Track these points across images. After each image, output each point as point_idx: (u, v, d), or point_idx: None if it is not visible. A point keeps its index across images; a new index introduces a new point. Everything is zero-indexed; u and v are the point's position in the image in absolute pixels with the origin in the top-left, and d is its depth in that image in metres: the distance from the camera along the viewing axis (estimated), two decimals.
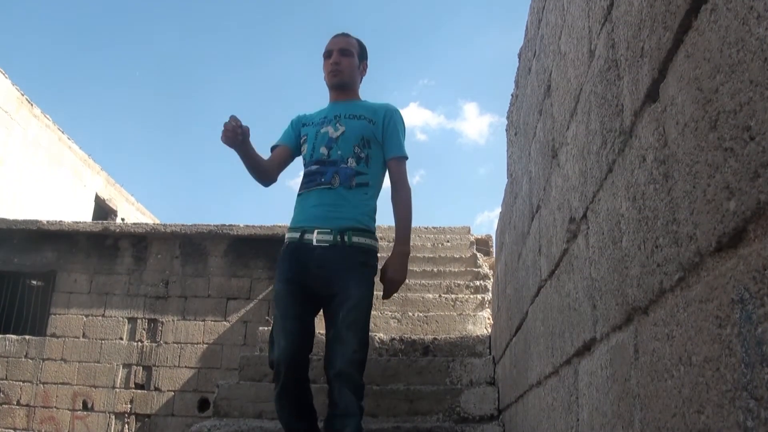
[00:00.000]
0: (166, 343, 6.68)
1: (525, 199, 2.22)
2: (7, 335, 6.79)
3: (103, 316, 6.81)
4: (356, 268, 2.25)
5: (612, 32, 1.07)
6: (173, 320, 6.76)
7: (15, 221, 7.25)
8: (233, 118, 2.21)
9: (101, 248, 7.07)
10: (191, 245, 7.03)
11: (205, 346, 6.64)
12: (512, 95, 2.80)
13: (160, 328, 6.74)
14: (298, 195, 2.43)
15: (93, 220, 10.64)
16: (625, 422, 0.97)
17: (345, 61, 2.53)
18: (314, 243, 2.27)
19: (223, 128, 2.21)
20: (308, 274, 2.26)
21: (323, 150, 2.40)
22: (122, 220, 12.31)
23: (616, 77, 1.04)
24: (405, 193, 2.44)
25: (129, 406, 6.49)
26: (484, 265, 5.61)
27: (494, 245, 5.21)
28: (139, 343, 6.70)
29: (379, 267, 2.39)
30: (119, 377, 6.59)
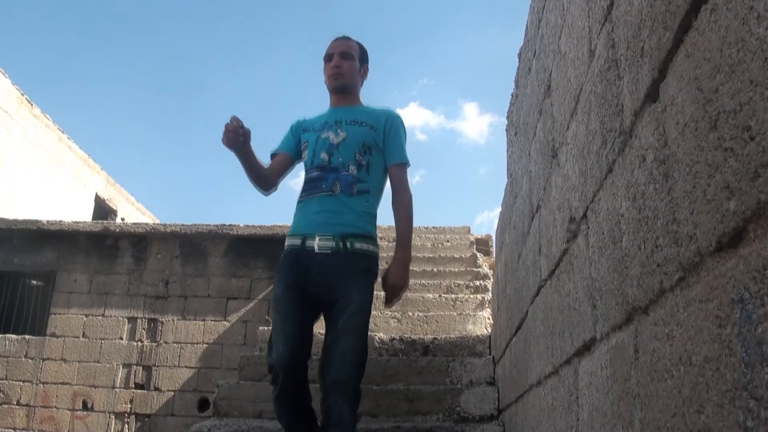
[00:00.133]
0: (166, 342, 6.68)
1: (525, 198, 2.22)
2: (7, 335, 6.79)
3: (103, 315, 6.81)
4: (358, 274, 2.23)
5: (612, 32, 1.07)
6: (173, 320, 6.76)
7: (15, 221, 7.25)
8: (235, 118, 2.19)
9: (101, 248, 7.07)
10: (191, 245, 7.03)
11: (205, 345, 6.64)
12: (512, 95, 2.80)
13: (160, 327, 6.74)
14: (299, 202, 2.41)
15: (93, 219, 10.63)
16: (625, 422, 0.97)
17: (346, 65, 2.50)
18: (316, 250, 2.25)
19: (224, 129, 2.19)
20: (309, 280, 2.24)
21: (324, 156, 2.37)
22: (122, 219, 12.31)
23: (616, 77, 1.04)
24: (406, 199, 2.41)
25: (129, 405, 6.50)
26: (484, 265, 5.61)
27: (494, 245, 5.21)
28: (139, 342, 6.70)
29: (380, 272, 2.38)
30: (119, 377, 6.59)
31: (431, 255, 5.84)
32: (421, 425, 3.03)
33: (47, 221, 7.17)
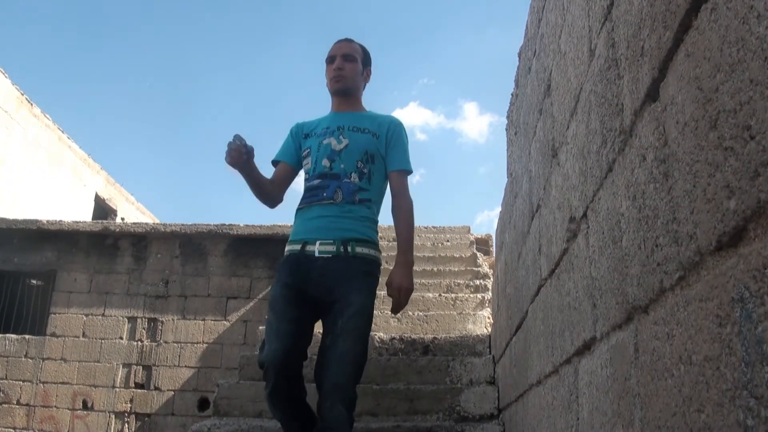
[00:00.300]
0: (166, 342, 6.69)
1: (525, 198, 2.22)
2: (7, 335, 6.79)
3: (103, 315, 6.81)
4: (359, 276, 2.19)
5: (612, 31, 1.07)
6: (173, 320, 6.76)
7: (15, 221, 7.25)
8: (237, 137, 2.15)
9: (101, 248, 7.07)
10: (191, 245, 7.03)
11: (205, 345, 6.64)
12: (512, 94, 2.79)
13: (160, 327, 6.74)
14: (298, 209, 2.37)
15: (93, 219, 10.63)
16: (625, 421, 0.97)
17: (348, 67, 2.46)
18: (316, 254, 2.22)
19: (227, 148, 2.16)
20: (309, 282, 2.20)
21: (325, 162, 2.33)
22: (122, 219, 12.31)
23: (617, 76, 1.04)
24: (407, 204, 2.37)
25: (129, 405, 6.50)
26: (484, 265, 5.61)
27: (494, 244, 5.21)
28: (139, 342, 6.70)
29: (382, 279, 2.35)
30: (119, 377, 6.59)
31: (431, 254, 5.85)
32: (421, 424, 3.03)
33: (47, 221, 7.17)
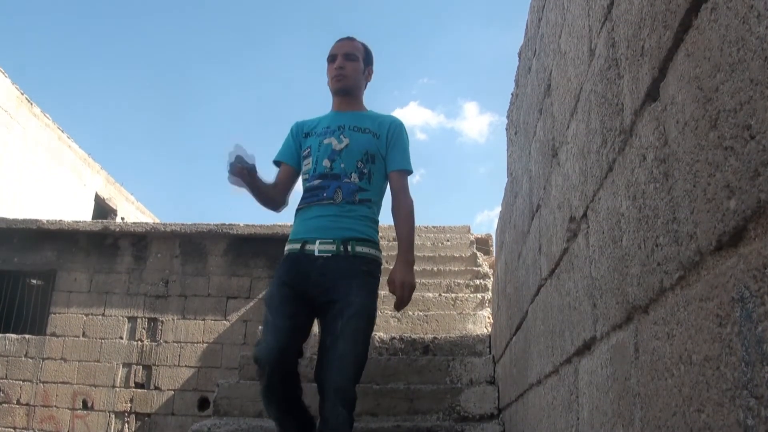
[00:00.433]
0: (166, 342, 6.68)
1: (525, 198, 2.22)
2: (7, 334, 6.79)
3: (103, 315, 6.82)
4: (359, 276, 2.17)
5: (612, 31, 1.07)
6: (173, 319, 6.76)
7: (15, 220, 7.25)
8: (238, 150, 2.14)
9: (101, 247, 7.07)
10: (191, 244, 7.03)
11: (205, 345, 6.64)
12: (512, 94, 2.79)
13: (160, 327, 6.74)
14: (298, 210, 2.36)
15: (93, 219, 10.63)
16: (625, 421, 0.97)
17: (350, 66, 2.45)
18: (316, 253, 2.20)
19: (228, 168, 2.15)
20: (308, 281, 2.18)
21: (326, 163, 2.32)
22: (122, 219, 12.32)
23: (617, 76, 1.04)
24: (407, 204, 2.35)
25: (129, 405, 6.50)
26: (484, 264, 5.62)
27: (494, 244, 5.21)
28: (139, 342, 6.70)
29: (383, 278, 2.33)
30: (119, 376, 6.59)
31: (431, 254, 5.85)
32: (421, 424, 3.03)
33: (47, 220, 7.17)
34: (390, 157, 2.39)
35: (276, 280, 2.26)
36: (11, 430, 6.42)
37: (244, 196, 2.27)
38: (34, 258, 7.07)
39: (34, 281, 7.19)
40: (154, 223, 8.72)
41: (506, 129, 3.04)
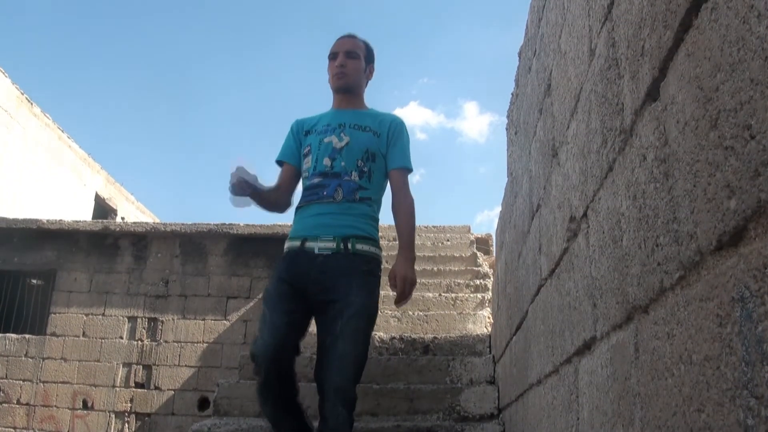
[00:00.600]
0: (166, 342, 6.68)
1: (525, 197, 2.22)
2: (7, 334, 6.79)
3: (103, 315, 6.81)
4: (359, 275, 2.16)
5: (612, 31, 1.07)
6: (173, 319, 6.76)
7: (15, 220, 7.25)
8: (240, 172, 2.15)
9: (101, 247, 7.07)
10: (191, 244, 7.03)
11: (205, 345, 6.64)
12: (512, 94, 2.79)
13: (160, 327, 6.74)
14: (298, 208, 2.36)
15: (93, 219, 10.64)
16: (625, 421, 0.97)
17: (351, 64, 2.44)
18: (316, 251, 2.19)
19: (230, 189, 2.17)
20: (308, 279, 2.17)
21: (326, 161, 2.31)
22: (122, 219, 12.32)
23: (617, 76, 1.04)
24: (408, 202, 2.35)
25: (129, 405, 6.50)
26: (484, 264, 5.62)
27: (494, 244, 5.21)
28: (139, 342, 6.70)
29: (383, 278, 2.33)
30: (119, 376, 6.59)
31: (431, 254, 5.85)
32: (421, 424, 3.03)
33: (47, 220, 7.17)
34: (390, 155, 2.38)
35: (275, 277, 2.25)
36: (11, 429, 6.42)
37: (247, 209, 2.29)
38: (34, 258, 7.07)
39: (34, 281, 7.19)
40: (154, 222, 8.71)
41: (506, 129, 3.04)
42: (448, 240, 6.31)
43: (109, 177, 12.81)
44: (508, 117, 2.98)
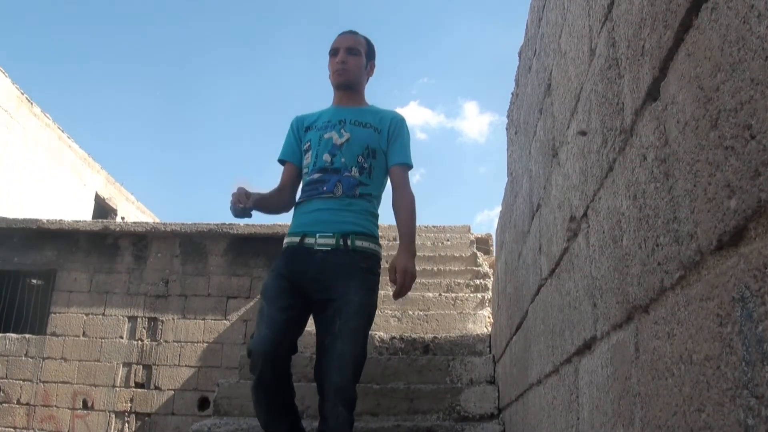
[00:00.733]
0: (166, 341, 6.69)
1: (525, 197, 2.22)
2: (8, 334, 6.79)
3: (103, 314, 6.82)
4: (358, 273, 2.15)
5: (613, 31, 1.07)
6: (173, 319, 6.76)
7: (15, 220, 7.25)
8: (240, 194, 2.17)
9: (101, 247, 7.08)
10: (191, 244, 7.03)
11: (205, 344, 6.64)
12: (512, 94, 2.79)
13: (160, 326, 6.74)
14: (297, 203, 2.35)
15: (93, 218, 10.64)
16: (625, 421, 0.97)
17: (352, 61, 2.43)
18: (315, 247, 2.18)
19: (231, 209, 2.18)
20: (306, 276, 2.16)
21: (326, 157, 2.31)
22: (122, 218, 12.32)
23: (617, 76, 1.04)
24: (408, 198, 2.34)
25: (129, 404, 6.50)
26: (484, 264, 5.62)
27: (494, 244, 5.22)
28: (139, 341, 6.70)
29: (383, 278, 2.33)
30: (119, 376, 6.59)
31: (431, 254, 5.85)
32: (421, 424, 3.03)
33: (47, 220, 7.18)
34: (391, 151, 2.38)
35: (273, 272, 2.23)
36: (11, 429, 6.42)
37: (249, 218, 2.30)
38: (34, 258, 7.08)
39: (35, 281, 7.19)
40: (154, 222, 8.71)
41: (506, 129, 3.04)
42: (448, 240, 6.31)
43: (109, 177, 12.81)
44: (508, 117, 2.98)
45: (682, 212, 0.76)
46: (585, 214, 1.27)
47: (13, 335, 6.78)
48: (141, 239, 7.10)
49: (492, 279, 4.74)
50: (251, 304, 6.74)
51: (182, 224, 7.02)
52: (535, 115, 1.97)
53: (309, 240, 2.21)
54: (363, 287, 2.15)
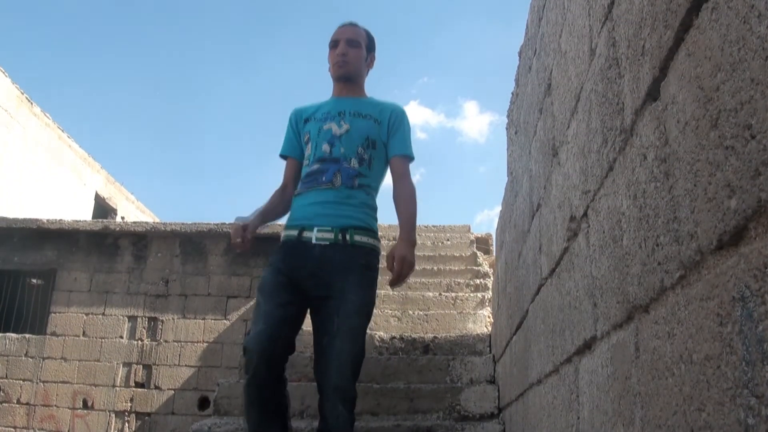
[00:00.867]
0: (166, 341, 6.69)
1: (525, 197, 2.22)
2: (8, 334, 6.79)
3: (103, 314, 6.82)
4: (357, 270, 2.13)
5: (613, 30, 1.07)
6: (173, 319, 6.76)
7: (15, 220, 7.25)
8: (236, 232, 2.20)
9: (101, 247, 7.07)
10: (191, 244, 7.03)
11: (205, 344, 6.64)
12: (512, 93, 2.79)
13: (160, 326, 6.74)
14: (296, 195, 2.33)
15: (93, 218, 10.63)
16: (625, 420, 0.97)
17: (352, 53, 2.41)
18: (313, 241, 2.16)
19: (231, 240, 2.23)
20: (303, 272, 2.13)
21: (325, 147, 2.28)
22: (122, 218, 12.31)
23: (617, 75, 1.04)
24: (409, 189, 2.31)
25: (129, 404, 6.50)
26: (484, 264, 5.62)
27: (494, 244, 5.22)
28: (139, 341, 6.70)
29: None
30: (119, 376, 6.59)
31: (431, 253, 5.85)
32: (421, 423, 3.03)
33: (47, 220, 7.17)
34: (391, 143, 2.36)
35: (271, 267, 2.20)
36: (11, 429, 6.42)
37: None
38: (34, 257, 7.07)
39: (35, 281, 7.18)
40: (154, 222, 8.71)
41: (506, 128, 3.04)
42: (448, 239, 6.31)
43: (109, 176, 12.81)
44: (508, 116, 2.98)
45: (683, 212, 0.76)
46: (585, 214, 1.27)
47: (13, 335, 6.78)
48: (141, 239, 7.10)
49: (492, 279, 4.74)
50: (251, 303, 6.73)
51: (182, 224, 7.02)
52: (535, 114, 1.97)
53: (307, 234, 2.19)
54: (361, 284, 2.13)
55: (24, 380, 6.58)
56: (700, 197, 0.70)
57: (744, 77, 0.60)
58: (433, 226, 6.71)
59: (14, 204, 9.53)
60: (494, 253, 5.18)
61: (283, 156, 2.50)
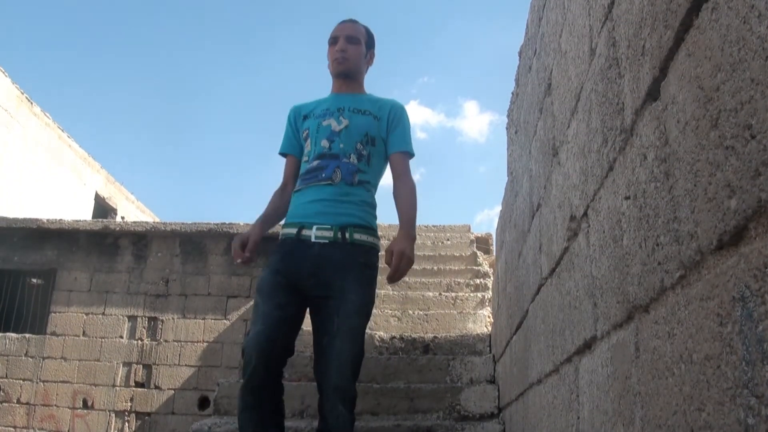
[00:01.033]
0: (166, 341, 6.69)
1: (525, 197, 2.22)
2: (8, 333, 6.79)
3: (103, 314, 6.82)
4: (356, 269, 2.12)
5: (613, 30, 1.07)
6: (173, 318, 6.76)
7: (15, 219, 7.25)
8: (236, 251, 2.23)
9: (101, 246, 7.08)
10: (191, 243, 7.03)
11: (205, 344, 6.64)
12: (512, 93, 2.79)
13: (160, 326, 6.74)
14: (295, 192, 2.32)
15: (93, 218, 10.63)
16: (625, 420, 0.98)
17: (351, 49, 2.40)
18: (312, 239, 2.15)
19: (233, 258, 2.25)
20: (302, 272, 2.12)
21: (324, 143, 2.28)
22: (122, 218, 12.31)
23: (617, 75, 1.04)
24: (409, 186, 2.29)
25: (129, 404, 6.50)
26: (484, 264, 5.62)
27: (494, 243, 5.22)
28: (140, 341, 6.70)
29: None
30: (119, 375, 6.59)
31: (431, 253, 5.85)
32: (421, 423, 3.03)
33: (47, 220, 7.17)
34: (391, 139, 2.35)
35: (270, 267, 2.20)
36: (11, 429, 6.42)
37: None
38: (34, 257, 7.08)
39: (35, 280, 7.18)
40: (154, 222, 8.72)
41: (506, 128, 3.04)
42: (448, 239, 6.31)
43: (109, 176, 12.81)
44: (508, 116, 2.98)
45: (683, 212, 0.76)
46: (585, 214, 1.27)
47: (13, 335, 6.78)
48: (141, 239, 7.10)
49: (492, 278, 4.74)
50: (251, 303, 6.73)
51: (182, 224, 7.02)
52: (536, 114, 1.97)
53: (306, 232, 2.18)
54: (361, 283, 2.12)
55: (24, 380, 6.58)
56: (700, 197, 0.70)
57: (744, 77, 0.60)
58: (433, 226, 6.71)
59: (14, 204, 9.53)
60: (494, 253, 5.19)
61: (282, 154, 2.49)
